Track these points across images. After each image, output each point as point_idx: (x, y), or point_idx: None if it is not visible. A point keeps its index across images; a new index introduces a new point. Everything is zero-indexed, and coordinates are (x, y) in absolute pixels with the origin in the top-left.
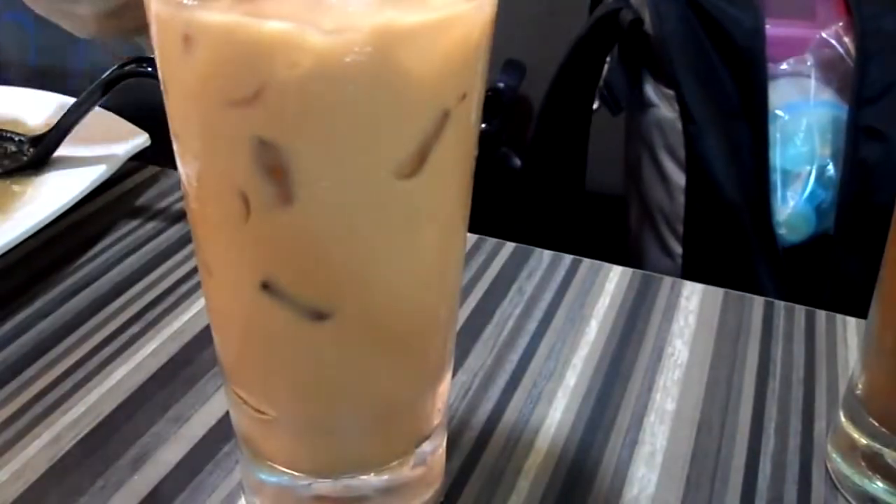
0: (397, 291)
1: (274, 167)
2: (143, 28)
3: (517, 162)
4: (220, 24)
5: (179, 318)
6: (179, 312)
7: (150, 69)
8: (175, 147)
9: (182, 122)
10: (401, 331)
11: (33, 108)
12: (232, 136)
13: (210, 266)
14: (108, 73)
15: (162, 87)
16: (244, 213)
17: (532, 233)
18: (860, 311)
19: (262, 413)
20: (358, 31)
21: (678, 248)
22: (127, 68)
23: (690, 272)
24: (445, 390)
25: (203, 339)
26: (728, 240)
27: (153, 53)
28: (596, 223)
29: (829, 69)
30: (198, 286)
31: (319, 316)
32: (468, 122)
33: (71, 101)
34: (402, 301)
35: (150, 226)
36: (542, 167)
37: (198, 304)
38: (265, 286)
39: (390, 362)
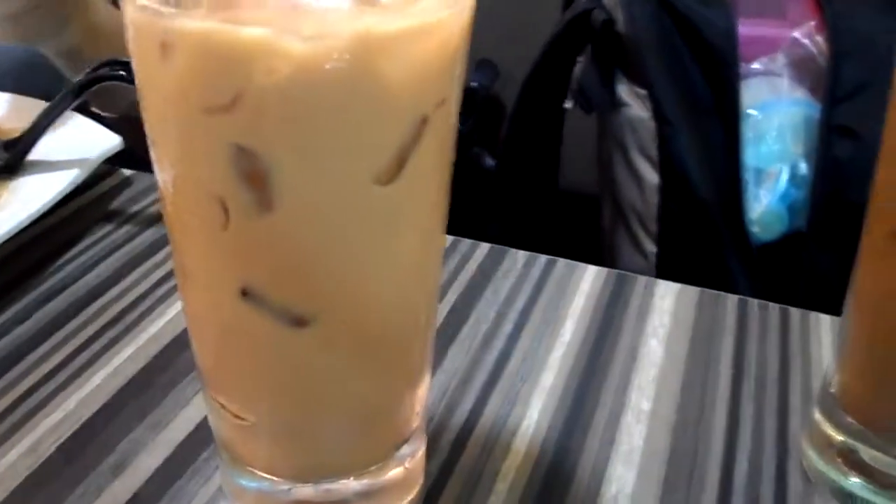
0: (377, 297)
1: (253, 174)
2: (51, 34)
3: (490, 162)
4: (198, 30)
5: (156, 323)
6: (156, 316)
7: (122, 73)
8: (152, 153)
9: (159, 128)
10: (381, 336)
11: (7, 111)
12: (210, 143)
13: (188, 271)
14: (81, 76)
15: (138, 93)
16: (223, 219)
17: (506, 232)
18: (834, 308)
19: (242, 419)
20: (337, 38)
21: (652, 247)
22: (100, 72)
23: (664, 271)
24: (424, 393)
25: (180, 343)
26: (702, 238)
27: (58, 59)
28: (569, 222)
29: (802, 68)
30: (174, 290)
31: (299, 322)
32: (446, 127)
33: (44, 104)
34: (382, 306)
35: (125, 230)
36: (515, 167)
37: (174, 308)
38: (244, 293)
39: (370, 367)
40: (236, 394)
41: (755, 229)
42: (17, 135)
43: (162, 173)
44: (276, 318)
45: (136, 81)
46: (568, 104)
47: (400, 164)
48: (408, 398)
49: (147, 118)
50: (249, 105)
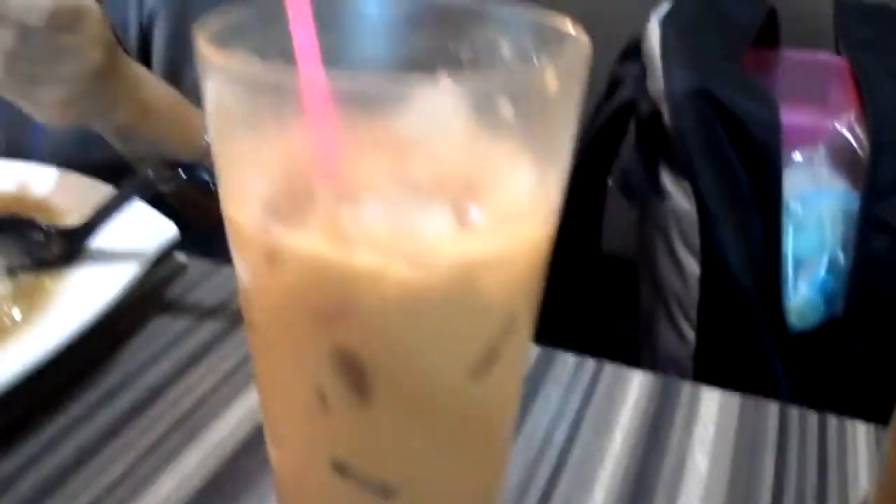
0: (460, 469)
1: (353, 371)
2: (102, 114)
3: None
4: (309, 251)
5: (219, 427)
6: (219, 420)
7: (184, 175)
8: (249, 334)
9: (262, 319)
10: (462, 495)
11: (61, 188)
12: (314, 343)
13: (281, 439)
14: (141, 176)
15: (240, 283)
16: (321, 406)
17: (546, 303)
18: (868, 398)
19: None
20: (442, 267)
21: (691, 333)
22: (161, 173)
23: (703, 356)
24: None
25: (244, 451)
26: (740, 327)
27: (108, 136)
28: (607, 285)
29: (841, 160)
30: (236, 390)
31: (386, 493)
32: (531, 318)
33: (97, 185)
34: (463, 475)
35: (182, 323)
36: (557, 241)
37: (237, 411)
38: (337, 466)
39: None
40: None
41: (792, 318)
42: (69, 215)
43: (260, 356)
44: (365, 488)
45: (240, 277)
46: (610, 181)
47: (490, 358)
48: None
49: (249, 309)
50: (355, 318)
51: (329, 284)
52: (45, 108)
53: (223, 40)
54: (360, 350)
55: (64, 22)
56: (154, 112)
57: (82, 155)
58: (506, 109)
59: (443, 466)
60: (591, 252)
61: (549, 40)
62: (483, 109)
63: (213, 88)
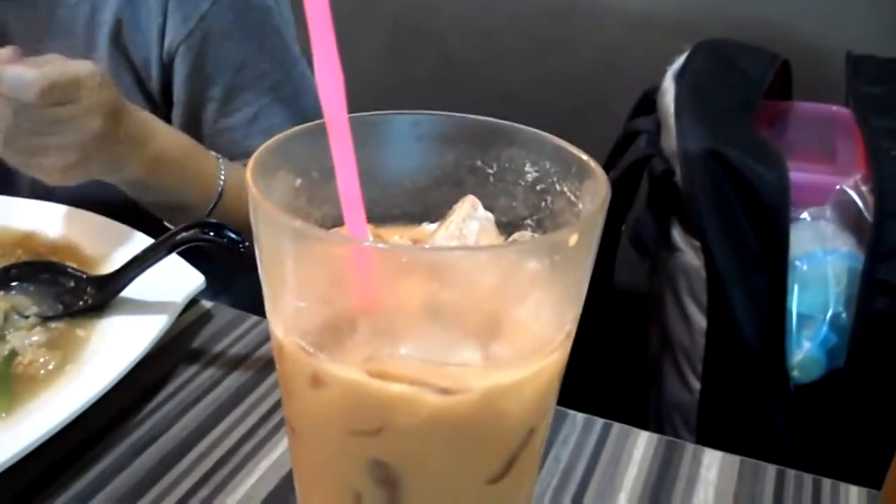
0: None
1: (386, 479)
2: (109, 172)
3: None
4: (349, 378)
5: (246, 482)
6: (246, 473)
7: (211, 234)
8: (290, 435)
9: (304, 429)
10: None
11: (92, 233)
12: (351, 453)
13: None
14: (171, 233)
15: (282, 392)
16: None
17: None
18: (865, 449)
19: None
20: (469, 392)
21: (696, 385)
22: (192, 232)
23: (707, 407)
24: None
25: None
26: (744, 380)
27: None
28: (615, 317)
29: (847, 220)
30: (260, 445)
31: None
32: (547, 427)
33: (123, 228)
34: None
35: (209, 373)
36: None
37: (263, 465)
38: None
39: None
40: None
41: (795, 373)
42: (101, 263)
43: (300, 457)
44: None
45: (283, 389)
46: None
47: (509, 466)
48: None
49: (292, 417)
50: (390, 435)
51: (367, 407)
52: (49, 174)
53: (268, 164)
54: (393, 462)
55: (57, 96)
56: (165, 163)
57: (106, 195)
58: (532, 266)
59: None
60: (603, 291)
61: (571, 169)
62: (512, 266)
63: (260, 223)
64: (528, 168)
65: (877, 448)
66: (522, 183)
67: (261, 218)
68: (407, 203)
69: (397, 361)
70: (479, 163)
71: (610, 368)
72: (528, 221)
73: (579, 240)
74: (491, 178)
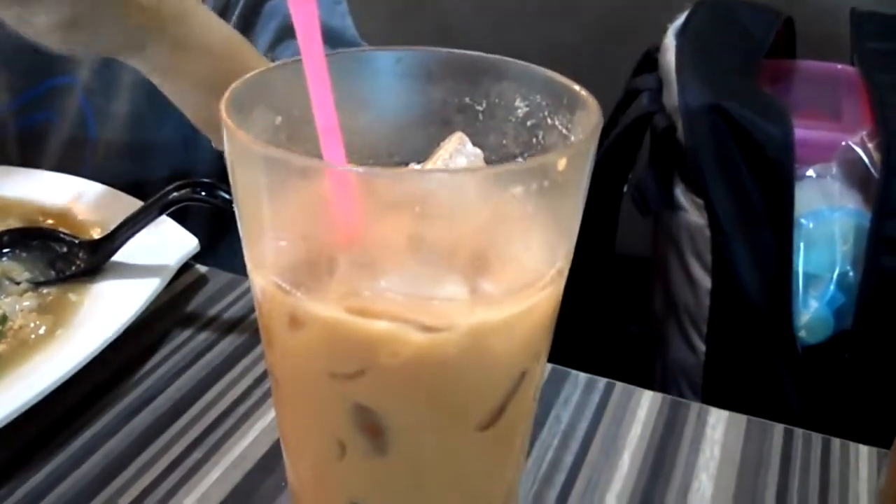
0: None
1: (370, 426)
2: (125, 47)
3: None
4: (328, 316)
5: (240, 443)
6: (240, 436)
7: (203, 193)
8: (273, 385)
9: (284, 374)
10: None
11: (85, 200)
12: (333, 399)
13: (301, 479)
14: (163, 192)
15: (263, 339)
16: (339, 454)
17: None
18: (873, 410)
19: None
20: (454, 329)
21: (702, 346)
22: (183, 192)
23: (713, 369)
24: None
25: (264, 467)
26: (750, 341)
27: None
28: (618, 285)
29: (853, 176)
30: (255, 407)
31: None
32: (541, 371)
33: (119, 195)
34: None
35: (203, 336)
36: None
37: (256, 427)
38: None
39: None
40: None
41: (802, 333)
42: (95, 229)
43: (284, 406)
44: None
45: (262, 329)
46: (625, 188)
47: (500, 412)
48: None
49: (273, 365)
50: (372, 377)
51: (347, 347)
52: (45, 31)
53: (244, 101)
54: (376, 407)
55: None
56: (198, 51)
57: (132, 171)
58: (519, 191)
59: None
60: (605, 255)
61: (562, 101)
62: (498, 192)
63: (235, 157)
64: (518, 103)
65: (886, 408)
66: (513, 119)
67: (234, 149)
68: (392, 144)
69: (378, 297)
70: (467, 100)
71: (614, 336)
72: (520, 159)
73: (568, 165)
74: (480, 116)
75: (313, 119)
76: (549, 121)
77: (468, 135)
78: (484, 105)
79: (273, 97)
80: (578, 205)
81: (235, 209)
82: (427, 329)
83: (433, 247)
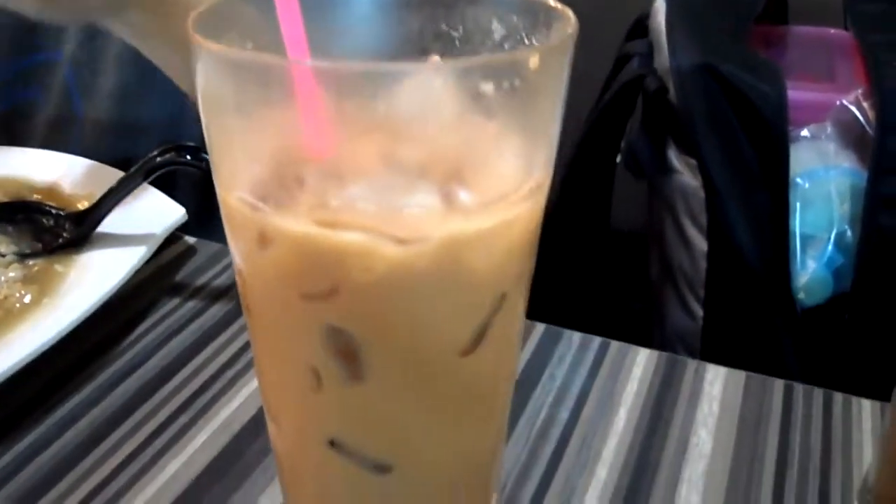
0: (454, 444)
1: (345, 350)
2: (96, 13)
3: None
4: (298, 231)
5: (227, 407)
6: (227, 400)
7: (188, 157)
8: (247, 315)
9: (256, 300)
10: (457, 471)
11: (71, 175)
12: (306, 322)
13: (277, 418)
14: (147, 158)
15: (234, 265)
16: (315, 384)
17: (556, 278)
18: (875, 376)
19: None
20: (428, 241)
21: (699, 310)
22: (168, 156)
23: (711, 333)
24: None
25: (251, 430)
26: (748, 304)
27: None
28: (618, 261)
29: (849, 135)
30: (242, 372)
31: (383, 469)
32: (523, 295)
33: (108, 169)
34: (458, 452)
35: (191, 304)
36: (567, 219)
37: (244, 392)
38: (332, 443)
39: (447, 499)
40: None
41: (800, 295)
42: (81, 202)
43: (257, 336)
44: (361, 465)
45: (232, 251)
46: (619, 159)
47: (480, 336)
48: None
49: (244, 291)
50: (345, 296)
51: (318, 264)
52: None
53: (213, 26)
54: (351, 329)
55: None
56: (181, 8)
57: (119, 148)
58: (490, 91)
59: (437, 442)
60: (600, 229)
61: (539, 19)
62: (468, 91)
63: (203, 72)
64: (494, 26)
65: (886, 366)
66: (490, 42)
67: (202, 63)
68: None
69: (347, 208)
70: (443, 26)
71: (614, 313)
72: None
73: (541, 65)
74: (457, 42)
75: (285, 50)
76: (526, 41)
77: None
78: (460, 31)
79: (243, 25)
80: (554, 113)
81: (205, 134)
82: (399, 241)
83: (404, 155)
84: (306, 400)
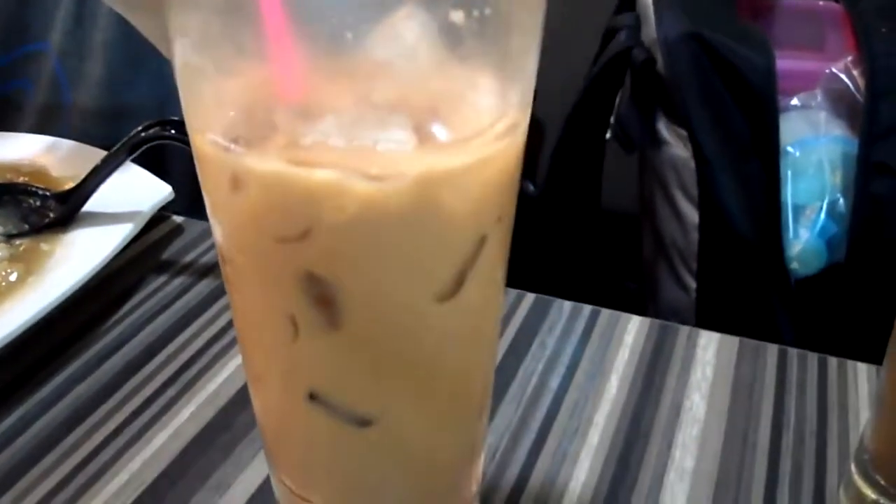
0: (436, 396)
1: (322, 297)
2: None
3: (531, 187)
4: (268, 170)
5: (214, 380)
6: (213, 374)
7: (173, 132)
8: (223, 268)
9: (231, 248)
10: (440, 426)
11: (58, 157)
12: (281, 268)
13: (257, 373)
14: (132, 134)
15: (209, 214)
16: (293, 334)
17: (549, 258)
18: (871, 343)
19: (307, 500)
20: (401, 178)
21: (692, 283)
22: (152, 131)
23: (705, 306)
24: (480, 466)
25: (238, 402)
26: (741, 275)
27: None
28: (611, 240)
29: (839, 103)
30: (229, 346)
31: (364, 422)
32: (504, 240)
33: (95, 150)
34: (441, 401)
35: (178, 281)
36: (557, 196)
37: (230, 366)
38: (312, 396)
39: (430, 455)
40: (301, 478)
41: (794, 265)
42: (68, 184)
43: (233, 287)
44: (341, 418)
45: (206, 200)
46: (608, 135)
47: (459, 281)
48: (465, 480)
49: (219, 238)
50: (319, 237)
51: (291, 204)
52: None
53: None
54: (326, 274)
55: None
56: None
57: (108, 135)
58: (461, 20)
59: (419, 395)
60: (590, 207)
61: None
62: (439, 23)
63: (174, 14)
64: None
65: (881, 336)
66: None
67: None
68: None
69: (319, 146)
70: None
71: (608, 294)
72: None
73: None
74: None
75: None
76: None
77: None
78: None
79: None
80: (528, 50)
81: (177, 78)
82: (372, 178)
83: (377, 91)
84: (285, 352)
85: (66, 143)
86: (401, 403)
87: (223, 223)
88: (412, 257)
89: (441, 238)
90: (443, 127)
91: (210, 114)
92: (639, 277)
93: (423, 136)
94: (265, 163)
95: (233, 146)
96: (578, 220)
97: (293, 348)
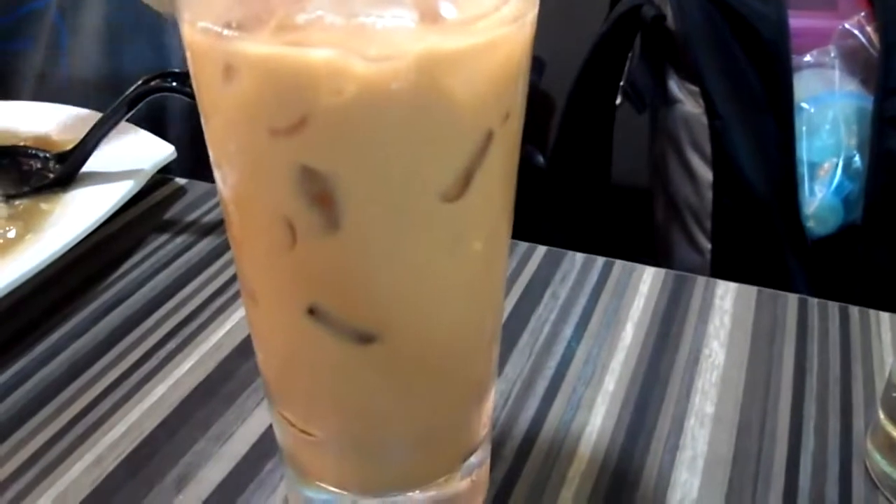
0: (442, 312)
1: (320, 194)
2: None
3: (540, 159)
4: (263, 53)
5: (216, 333)
6: (215, 327)
7: (174, 84)
8: (216, 175)
9: (224, 150)
10: (446, 351)
11: (60, 123)
12: (276, 164)
13: (254, 292)
14: (132, 88)
15: (201, 114)
16: (290, 240)
17: (558, 230)
18: (891, 301)
19: (309, 434)
20: (402, 58)
21: (707, 244)
22: (152, 83)
23: (720, 267)
24: (490, 405)
25: (240, 354)
26: (757, 234)
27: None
28: (622, 216)
29: (853, 60)
30: (231, 301)
31: (366, 339)
32: (512, 141)
33: (97, 115)
34: (447, 321)
35: (180, 240)
36: (566, 165)
37: (233, 319)
38: (312, 311)
39: (437, 382)
40: (303, 410)
41: (810, 224)
42: (69, 147)
43: (227, 194)
44: (343, 335)
45: (199, 103)
46: (619, 100)
47: (466, 180)
48: (474, 411)
49: (211, 140)
50: (316, 126)
51: (286, 89)
52: None
53: None
54: (324, 168)
55: None
56: None
57: (107, 88)
58: None
59: (424, 308)
60: (601, 177)
61: None
62: None
63: None
64: None
65: None
66: None
67: None
68: None
69: (314, 25)
70: None
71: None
72: None
73: None
74: None
75: None
76: None
77: None
78: None
79: None
80: None
81: None
82: (371, 59)
83: None
84: (281, 261)
85: (68, 109)
86: (405, 316)
87: (214, 119)
88: (414, 149)
89: (444, 129)
90: (444, 7)
91: (202, 6)
92: (651, 252)
93: (423, 14)
94: (258, 46)
95: (225, 31)
96: (589, 191)
97: (291, 256)
